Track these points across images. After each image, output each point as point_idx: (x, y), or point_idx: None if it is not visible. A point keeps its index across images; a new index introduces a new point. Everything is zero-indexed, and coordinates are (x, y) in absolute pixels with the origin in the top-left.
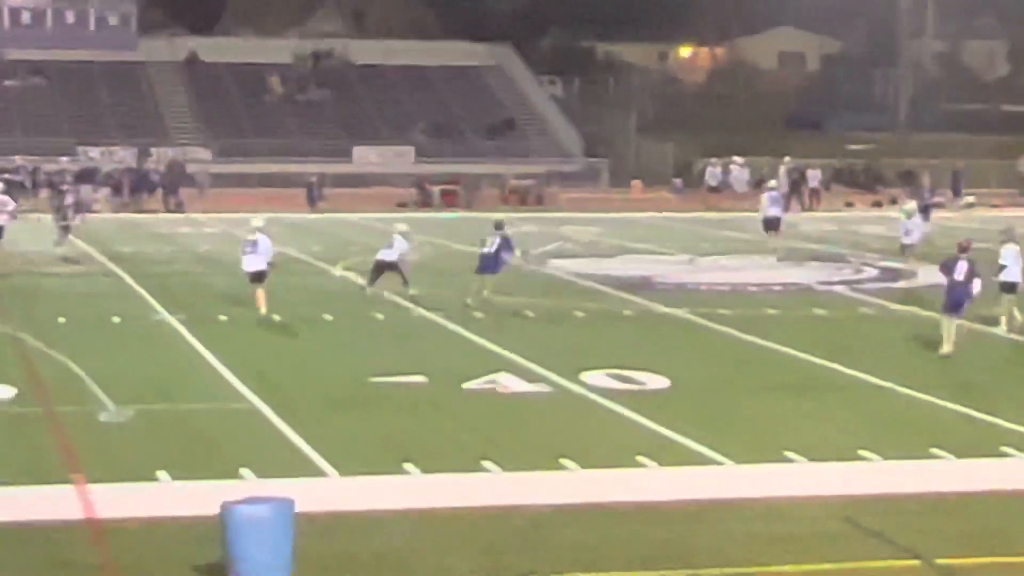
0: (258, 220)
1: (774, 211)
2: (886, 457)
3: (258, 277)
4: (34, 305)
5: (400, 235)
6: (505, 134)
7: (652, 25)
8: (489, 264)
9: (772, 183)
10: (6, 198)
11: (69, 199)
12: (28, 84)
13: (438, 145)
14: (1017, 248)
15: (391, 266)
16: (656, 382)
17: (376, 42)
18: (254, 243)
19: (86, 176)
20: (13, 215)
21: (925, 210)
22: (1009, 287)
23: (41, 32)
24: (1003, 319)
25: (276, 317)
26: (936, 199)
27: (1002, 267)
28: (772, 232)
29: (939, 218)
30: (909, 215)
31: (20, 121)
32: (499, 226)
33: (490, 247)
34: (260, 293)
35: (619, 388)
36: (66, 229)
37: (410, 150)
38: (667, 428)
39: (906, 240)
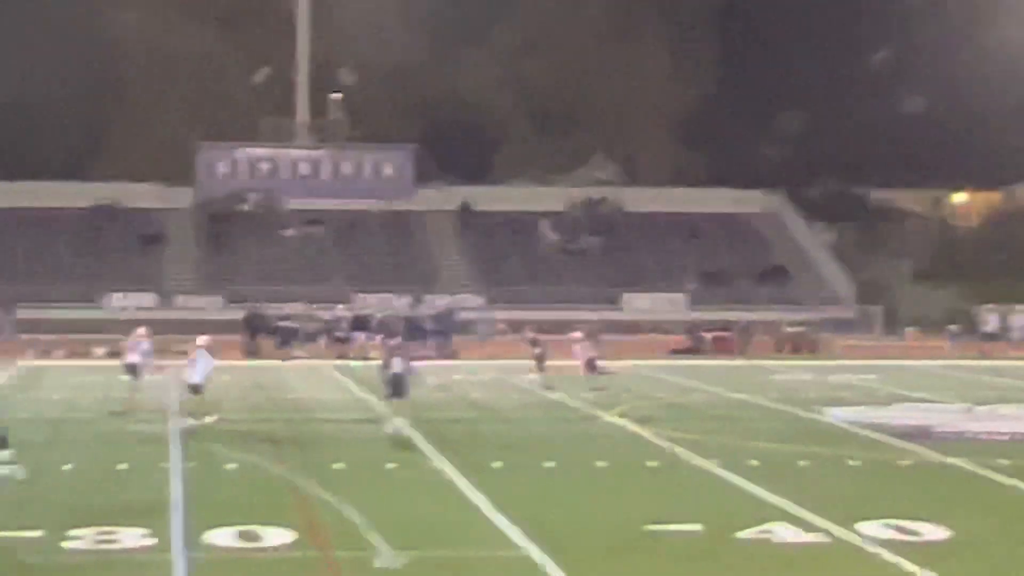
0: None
1: None
2: None
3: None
4: (312, 450)
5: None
6: (777, 281)
7: (925, 171)
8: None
9: None
10: (143, 338)
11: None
12: (306, 233)
13: (709, 292)
14: None
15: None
16: (935, 533)
17: (648, 190)
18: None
19: (360, 323)
20: (148, 355)
21: None
22: None
23: (319, 182)
24: None
25: (549, 464)
26: None
27: None
28: None
29: None
30: None
31: (298, 269)
32: None
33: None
34: None
35: (897, 539)
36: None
37: (681, 297)
38: None
39: None
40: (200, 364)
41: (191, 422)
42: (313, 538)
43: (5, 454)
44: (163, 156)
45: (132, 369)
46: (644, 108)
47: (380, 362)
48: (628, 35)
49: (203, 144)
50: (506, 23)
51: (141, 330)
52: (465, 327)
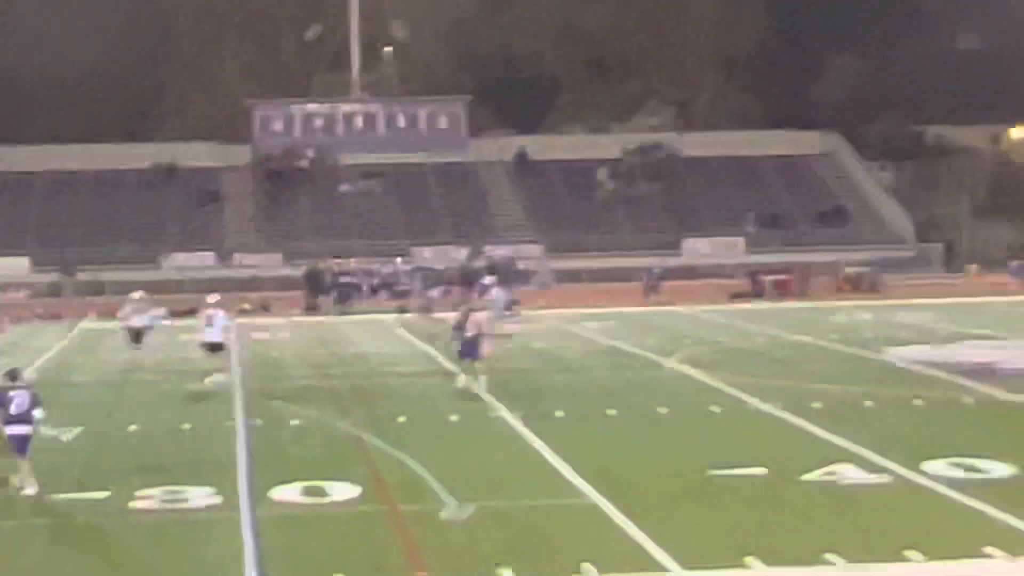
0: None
1: None
2: None
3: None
4: (375, 405)
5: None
6: (836, 222)
7: (983, 107)
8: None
9: None
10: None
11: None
12: (362, 188)
13: (768, 235)
14: None
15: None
16: (1001, 470)
17: (703, 134)
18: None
19: (419, 276)
20: (155, 319)
21: None
22: None
23: (374, 136)
24: None
25: (611, 412)
26: None
27: None
28: None
29: None
30: None
31: (355, 224)
32: None
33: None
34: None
35: (962, 477)
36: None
37: (740, 241)
38: (1016, 518)
39: None
40: (217, 323)
41: (218, 378)
42: (379, 492)
43: (38, 412)
44: (219, 115)
45: (137, 335)
46: (698, 52)
47: (455, 323)
48: None
49: (258, 102)
50: None
51: (137, 294)
52: (524, 276)
